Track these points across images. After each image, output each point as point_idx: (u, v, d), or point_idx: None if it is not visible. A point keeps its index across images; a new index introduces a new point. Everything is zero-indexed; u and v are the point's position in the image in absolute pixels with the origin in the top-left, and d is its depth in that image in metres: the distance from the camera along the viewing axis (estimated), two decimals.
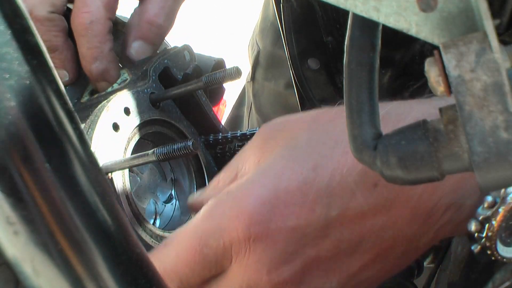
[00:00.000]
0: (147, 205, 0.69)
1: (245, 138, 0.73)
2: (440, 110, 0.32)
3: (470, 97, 0.29)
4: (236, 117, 1.40)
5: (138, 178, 0.68)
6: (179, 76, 0.72)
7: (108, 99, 0.65)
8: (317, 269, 0.52)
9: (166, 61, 0.71)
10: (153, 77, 0.69)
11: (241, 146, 0.74)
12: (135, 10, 0.77)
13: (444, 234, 0.53)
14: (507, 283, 0.48)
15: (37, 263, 0.32)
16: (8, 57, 0.30)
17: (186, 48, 0.75)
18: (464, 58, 0.29)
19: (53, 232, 0.32)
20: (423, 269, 0.65)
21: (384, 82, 0.92)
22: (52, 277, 0.33)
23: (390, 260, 0.53)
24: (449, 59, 0.29)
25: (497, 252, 0.50)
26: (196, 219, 0.52)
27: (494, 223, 0.48)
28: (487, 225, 0.49)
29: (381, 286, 0.59)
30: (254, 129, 0.73)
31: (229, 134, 0.74)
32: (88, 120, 0.63)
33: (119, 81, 0.72)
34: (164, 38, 0.78)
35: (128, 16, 0.81)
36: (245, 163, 0.56)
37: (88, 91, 0.73)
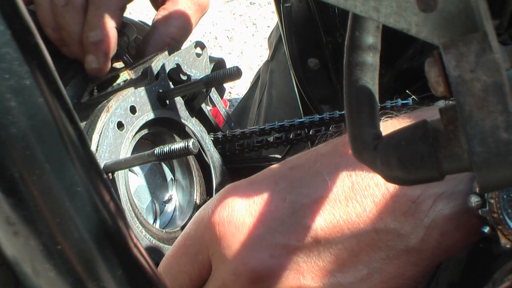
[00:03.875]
0: (147, 205, 0.69)
1: (245, 136, 0.73)
2: (440, 110, 0.31)
3: (470, 97, 0.29)
4: (244, 108, 1.41)
5: (138, 178, 0.68)
6: (189, 74, 0.71)
7: (108, 99, 0.65)
8: (288, 260, 0.49)
9: (176, 58, 0.70)
10: (162, 75, 0.68)
11: (240, 145, 0.74)
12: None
13: (441, 233, 0.47)
14: (507, 283, 0.47)
15: (37, 264, 0.32)
16: (8, 57, 0.30)
17: (198, 44, 0.73)
18: (464, 58, 0.29)
19: (53, 233, 0.32)
20: None
21: (383, 82, 0.92)
22: (52, 277, 0.33)
23: (376, 264, 0.48)
24: (449, 60, 0.29)
25: (509, 226, 0.45)
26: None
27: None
28: (487, 195, 0.44)
29: None
30: (255, 127, 0.73)
31: (238, 131, 0.72)
32: (88, 120, 0.63)
33: (119, 81, 0.72)
34: None
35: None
36: None
37: (88, 91, 0.73)
